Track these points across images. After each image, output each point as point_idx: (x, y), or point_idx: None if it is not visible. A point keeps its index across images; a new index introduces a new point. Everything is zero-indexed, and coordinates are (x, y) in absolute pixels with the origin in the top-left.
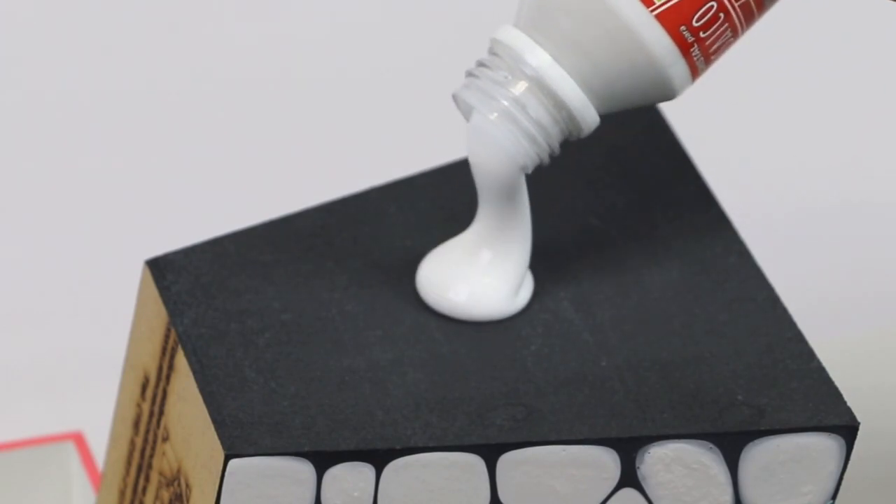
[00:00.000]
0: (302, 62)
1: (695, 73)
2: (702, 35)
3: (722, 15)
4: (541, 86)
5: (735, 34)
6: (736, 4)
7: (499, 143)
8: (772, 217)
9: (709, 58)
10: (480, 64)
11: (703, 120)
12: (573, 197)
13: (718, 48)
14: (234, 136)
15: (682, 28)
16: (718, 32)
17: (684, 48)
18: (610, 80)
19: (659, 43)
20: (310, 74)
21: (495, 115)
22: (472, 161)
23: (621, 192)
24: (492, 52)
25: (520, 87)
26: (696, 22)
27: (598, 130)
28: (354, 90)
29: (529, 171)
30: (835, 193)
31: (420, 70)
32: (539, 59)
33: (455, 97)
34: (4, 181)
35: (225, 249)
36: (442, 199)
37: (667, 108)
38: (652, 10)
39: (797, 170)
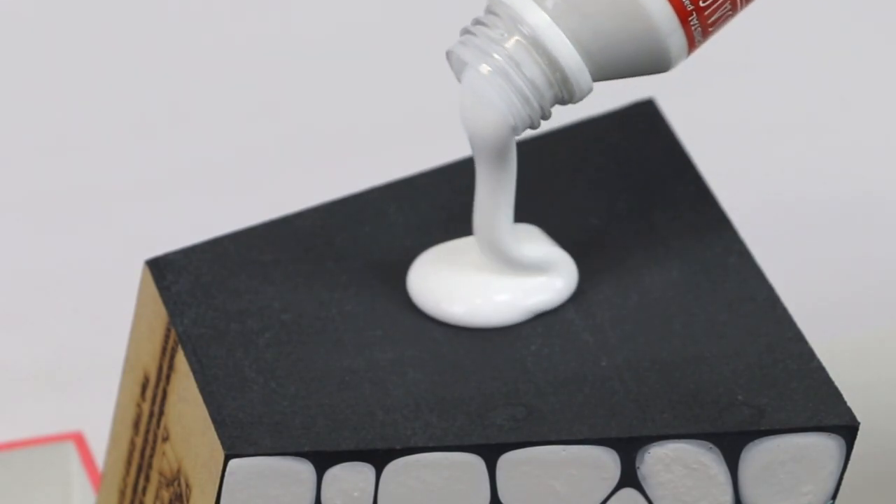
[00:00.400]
0: (302, 62)
1: (692, 44)
2: (701, 4)
3: None
4: (536, 45)
5: (734, 7)
6: None
7: (490, 99)
8: (772, 217)
9: (706, 29)
10: (477, 22)
11: (702, 120)
12: (573, 197)
13: (717, 20)
14: (234, 137)
15: None
16: (718, 3)
17: (683, 16)
18: (607, 45)
19: (659, 9)
20: (310, 74)
21: (488, 70)
22: (463, 119)
23: (621, 192)
24: (489, 11)
25: (515, 45)
26: None
27: (598, 130)
28: (354, 90)
29: (520, 133)
30: (835, 194)
31: (420, 70)
32: (537, 18)
33: (448, 54)
34: (4, 181)
35: (225, 249)
36: (442, 199)
37: (667, 108)
38: None
39: (797, 170)
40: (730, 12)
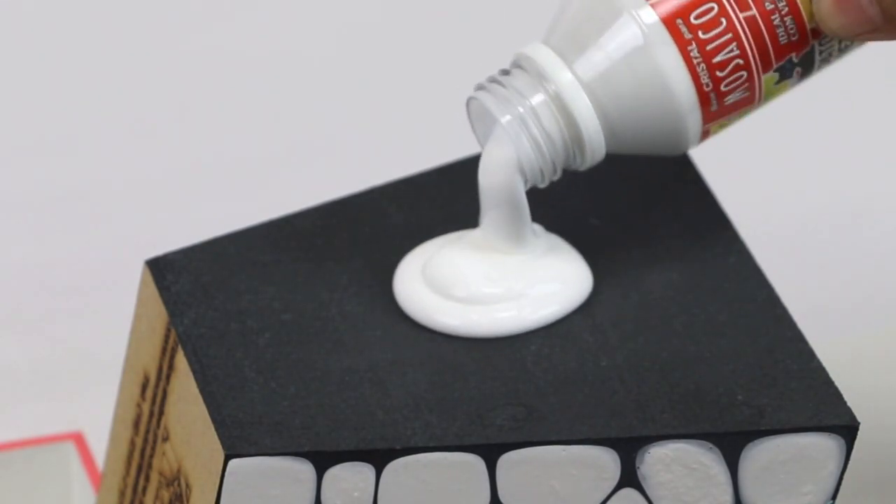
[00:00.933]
0: (302, 62)
1: (707, 118)
2: (718, 74)
3: (741, 61)
4: (558, 102)
5: (752, 95)
6: (759, 61)
7: (505, 144)
8: (772, 217)
9: (723, 103)
10: (503, 73)
11: None
12: (573, 197)
13: (734, 105)
14: (234, 137)
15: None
16: (735, 84)
17: (703, 96)
18: (627, 114)
19: (681, 81)
20: (310, 75)
21: (508, 118)
22: (480, 167)
23: (621, 192)
24: (516, 65)
25: (538, 98)
26: (715, 60)
27: None
28: (355, 90)
29: (527, 186)
30: (834, 194)
31: (420, 71)
32: (563, 78)
33: (469, 101)
34: (5, 181)
35: (225, 249)
36: (442, 199)
37: None
38: (684, 53)
39: (797, 170)
40: (747, 96)
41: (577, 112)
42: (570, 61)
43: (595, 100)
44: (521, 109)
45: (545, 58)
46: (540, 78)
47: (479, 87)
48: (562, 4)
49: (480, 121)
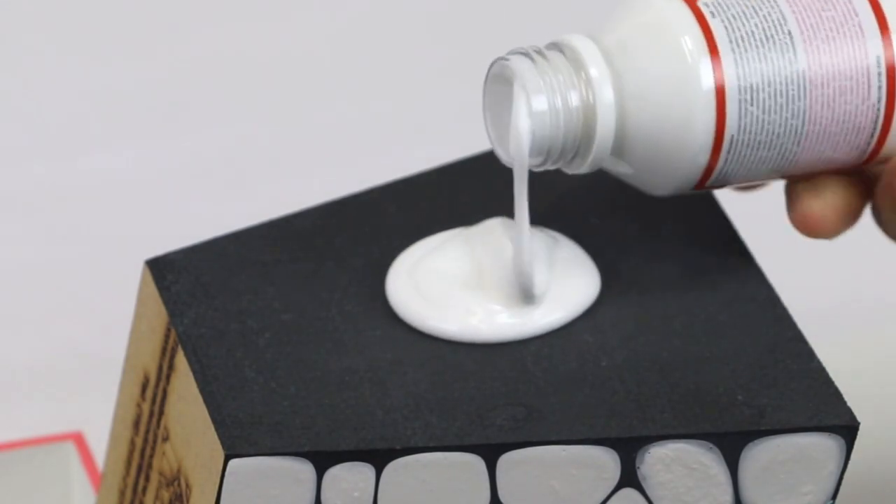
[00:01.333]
0: (303, 63)
1: (708, 176)
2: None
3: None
4: (586, 89)
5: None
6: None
7: (528, 106)
8: (772, 217)
9: (739, 165)
10: (543, 48)
11: None
12: (573, 197)
13: (746, 171)
14: (234, 137)
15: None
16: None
17: (718, 141)
18: (642, 127)
19: (706, 121)
20: (310, 75)
21: (538, 81)
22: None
23: (621, 192)
24: (555, 47)
25: (568, 77)
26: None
27: None
28: (355, 91)
29: (533, 152)
30: None
31: (420, 71)
32: (597, 70)
33: (497, 61)
34: (5, 181)
35: (225, 249)
36: (442, 199)
37: None
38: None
39: None
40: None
41: (599, 102)
42: (609, 59)
43: (619, 101)
44: (551, 79)
45: (585, 47)
46: (575, 62)
47: (512, 52)
48: (618, 8)
49: (497, 87)
